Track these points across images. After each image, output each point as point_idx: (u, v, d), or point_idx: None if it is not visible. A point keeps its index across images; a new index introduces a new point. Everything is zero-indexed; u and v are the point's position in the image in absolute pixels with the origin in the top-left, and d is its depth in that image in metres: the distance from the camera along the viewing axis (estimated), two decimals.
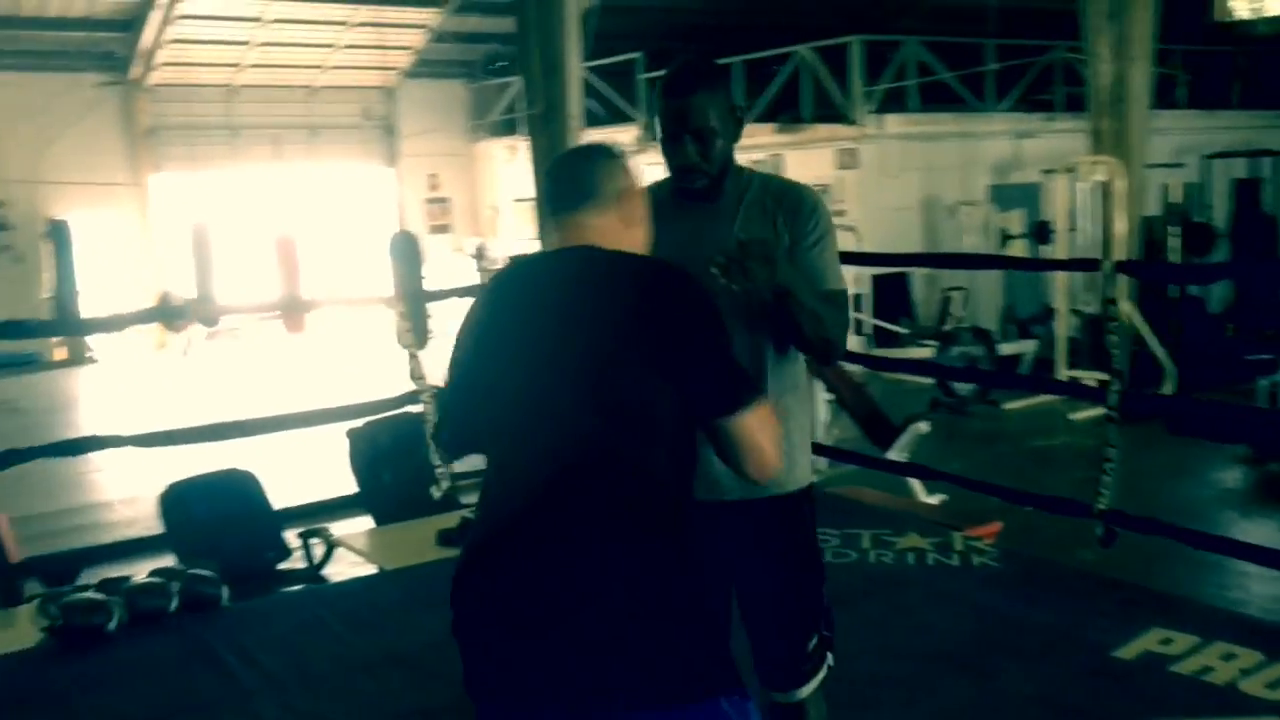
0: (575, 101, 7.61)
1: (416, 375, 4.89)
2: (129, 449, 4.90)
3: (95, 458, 8.39)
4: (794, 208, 2.43)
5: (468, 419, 2.10)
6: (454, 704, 1.77)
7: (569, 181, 2.13)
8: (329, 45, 16.65)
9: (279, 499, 6.15)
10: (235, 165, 16.97)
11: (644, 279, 2.00)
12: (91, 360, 15.79)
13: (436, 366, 2.07)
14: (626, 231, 2.12)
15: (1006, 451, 8.96)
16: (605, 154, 2.16)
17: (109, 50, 16.02)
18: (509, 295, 2.10)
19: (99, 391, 13.87)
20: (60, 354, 15.75)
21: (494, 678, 1.84)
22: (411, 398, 5.01)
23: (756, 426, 1.93)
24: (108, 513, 8.06)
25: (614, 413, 1.88)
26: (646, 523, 1.85)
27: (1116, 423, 4.02)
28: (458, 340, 2.12)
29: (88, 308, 15.24)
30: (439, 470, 4.82)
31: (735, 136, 2.45)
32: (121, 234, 16.60)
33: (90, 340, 15.87)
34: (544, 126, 7.79)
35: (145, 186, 16.59)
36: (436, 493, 4.84)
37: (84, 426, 11.51)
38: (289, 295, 12.92)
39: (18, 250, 15.72)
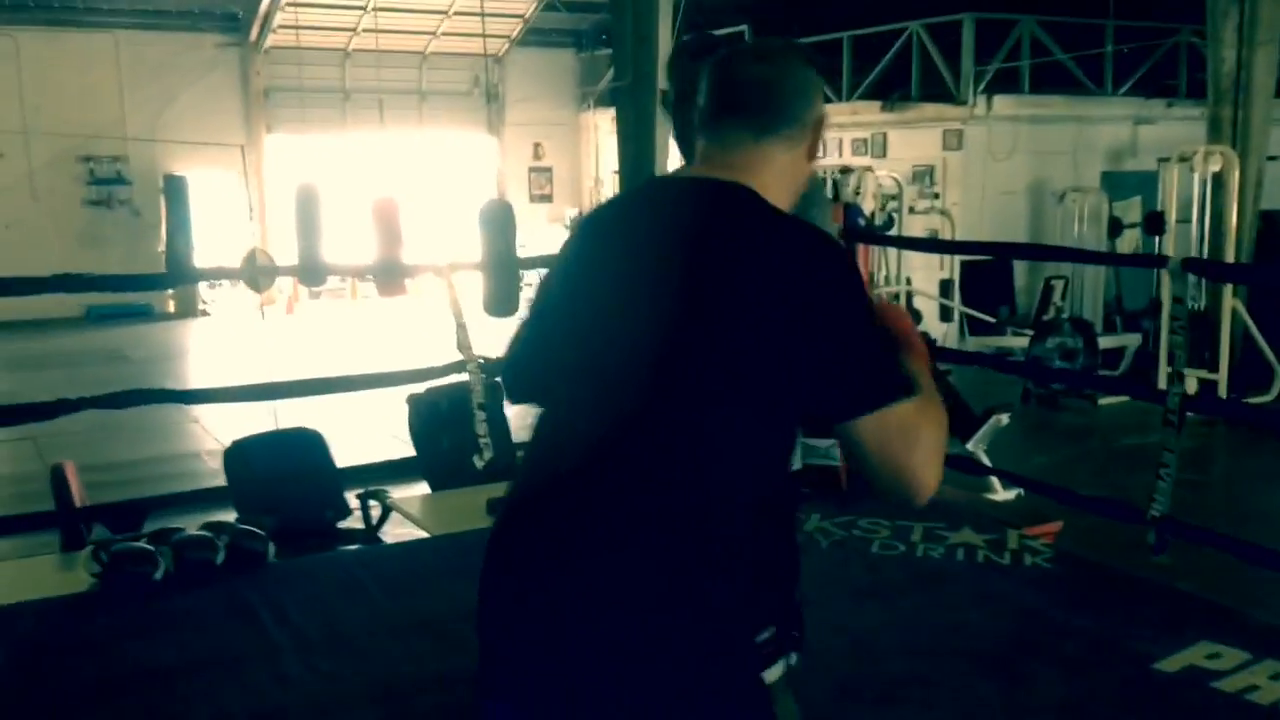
0: (665, 73, 7.54)
1: (464, 345, 4.91)
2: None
3: (198, 407, 8.68)
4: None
5: (530, 365, 1.80)
6: (473, 673, 1.70)
7: (759, 95, 1.68)
8: (440, 12, 16.81)
9: (356, 458, 6.26)
10: (345, 129, 17.30)
11: (791, 247, 1.59)
12: (203, 313, 16.32)
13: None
14: (803, 167, 1.75)
15: (1095, 448, 8.69)
16: (803, 61, 1.73)
17: (230, 11, 16.45)
18: (619, 224, 1.74)
19: (203, 343, 14.32)
20: (173, 307, 16.32)
21: (501, 662, 1.61)
22: (458, 367, 5.04)
23: (895, 431, 1.53)
24: (195, 463, 8.31)
25: (684, 396, 1.54)
26: (681, 523, 1.53)
27: (1174, 426, 3.84)
28: (545, 277, 1.81)
29: (202, 262, 15.72)
30: (482, 440, 4.84)
31: None
32: (235, 192, 17.06)
33: (203, 294, 16.42)
34: (632, 98, 7.76)
35: (260, 147, 17.01)
36: (479, 462, 4.87)
37: (184, 377, 11.94)
38: (385, 258, 13.10)
39: (136, 204, 16.29)
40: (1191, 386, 9.51)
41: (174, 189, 15.81)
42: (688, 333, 1.54)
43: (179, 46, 16.17)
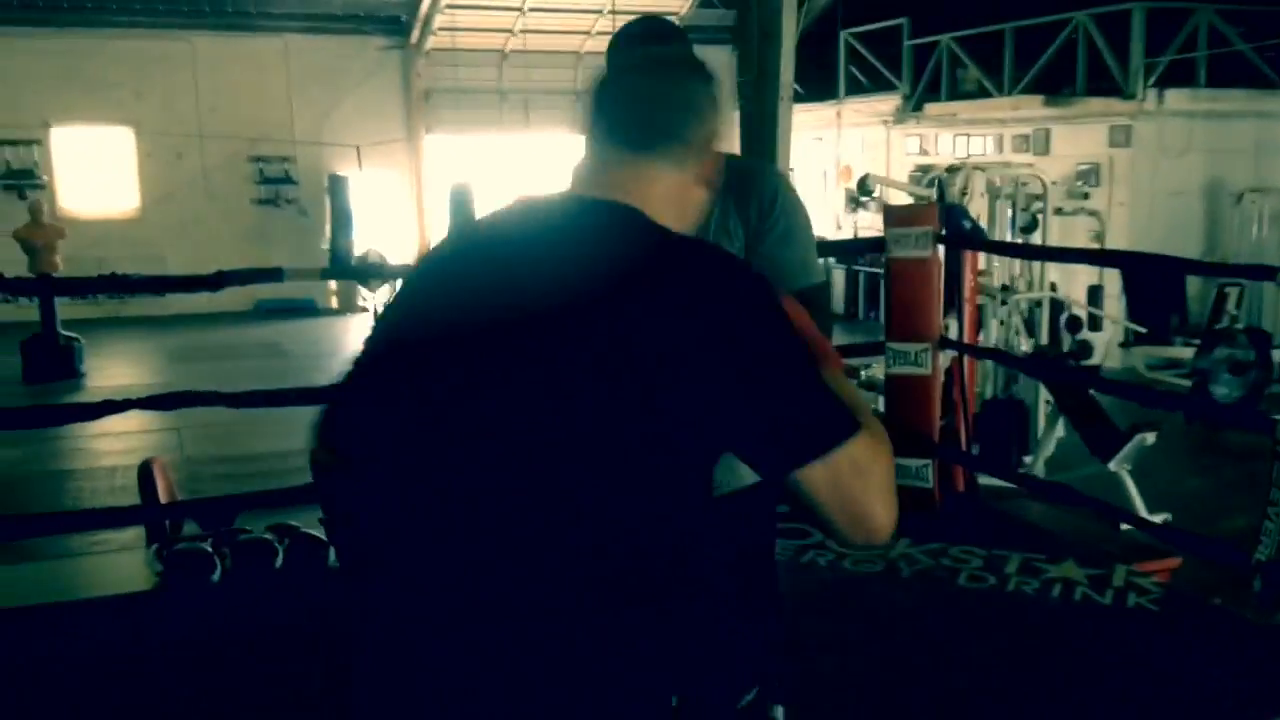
0: (788, 69, 7.28)
1: None
2: None
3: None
4: (750, 193, 2.10)
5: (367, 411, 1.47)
6: None
7: (643, 108, 1.51)
8: (596, 11, 16.81)
9: None
10: (501, 130, 17.49)
11: (704, 273, 1.36)
12: (363, 309, 16.73)
13: None
14: (692, 192, 1.52)
15: (1261, 471, 7.97)
16: (690, 73, 1.53)
17: (393, 15, 16.82)
18: (490, 253, 1.48)
19: (357, 339, 14.66)
20: (335, 302, 16.80)
21: None
22: None
23: (848, 473, 1.30)
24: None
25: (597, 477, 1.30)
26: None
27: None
28: (390, 319, 1.55)
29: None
30: None
31: None
32: (397, 192, 17.47)
33: (362, 291, 16.83)
34: (755, 94, 7.51)
35: (419, 147, 17.36)
36: None
37: (331, 370, 12.21)
38: None
39: (302, 204, 16.84)
40: None
41: (336, 188, 16.27)
42: (591, 390, 1.29)
43: (345, 49, 16.63)
